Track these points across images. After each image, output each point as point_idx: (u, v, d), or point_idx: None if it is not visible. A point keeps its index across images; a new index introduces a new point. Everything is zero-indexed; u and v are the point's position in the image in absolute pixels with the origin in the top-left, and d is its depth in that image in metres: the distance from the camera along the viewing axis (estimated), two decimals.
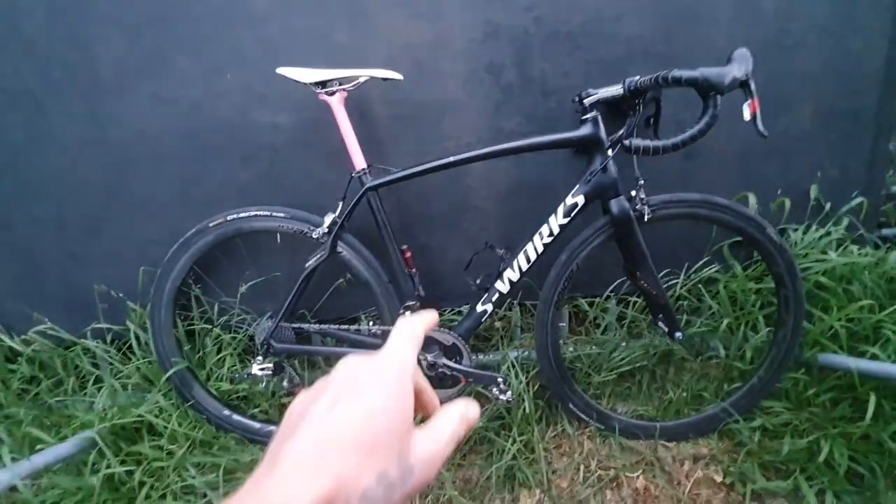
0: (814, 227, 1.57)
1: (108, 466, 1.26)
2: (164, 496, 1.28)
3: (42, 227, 1.43)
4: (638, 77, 1.16)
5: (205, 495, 1.29)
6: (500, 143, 1.26)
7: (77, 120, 1.37)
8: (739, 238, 1.44)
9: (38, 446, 1.27)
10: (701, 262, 1.57)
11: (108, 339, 1.49)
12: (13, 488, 1.17)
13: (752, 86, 1.00)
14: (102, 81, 1.35)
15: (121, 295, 1.48)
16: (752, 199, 1.51)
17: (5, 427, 1.25)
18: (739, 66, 0.99)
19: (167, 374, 1.40)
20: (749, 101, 1.00)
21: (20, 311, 1.47)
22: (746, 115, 1.00)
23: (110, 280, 1.47)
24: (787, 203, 1.54)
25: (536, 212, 1.40)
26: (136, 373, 1.46)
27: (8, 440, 1.20)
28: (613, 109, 1.34)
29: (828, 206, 1.60)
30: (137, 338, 1.47)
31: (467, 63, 1.41)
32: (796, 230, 1.58)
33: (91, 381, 1.46)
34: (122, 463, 1.29)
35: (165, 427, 1.35)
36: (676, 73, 1.00)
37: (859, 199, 1.57)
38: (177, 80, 1.35)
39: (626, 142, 1.07)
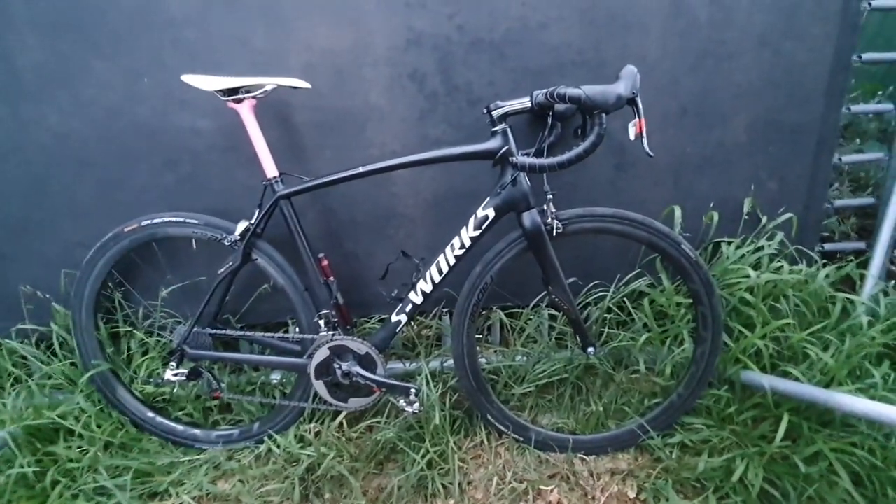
0: (748, 241, 1.55)
1: (21, 466, 1.27)
2: (76, 496, 1.30)
3: None
4: (542, 91, 1.14)
5: (114, 496, 1.31)
6: (427, 150, 1.26)
7: (0, 123, 1.37)
8: None
9: None
10: (632, 274, 1.56)
11: (34, 339, 1.50)
12: None
13: (640, 104, 0.98)
14: (23, 85, 1.35)
15: (47, 296, 1.49)
16: (677, 212, 1.49)
17: None
18: (626, 84, 0.97)
19: (86, 376, 1.42)
20: (635, 120, 0.98)
21: None
22: (632, 135, 0.99)
23: (36, 281, 1.49)
24: (716, 217, 1.52)
25: (463, 220, 1.39)
26: (61, 374, 1.48)
27: None
28: (540, 122, 1.32)
29: (764, 219, 1.57)
30: (61, 339, 1.48)
31: (390, 70, 1.40)
32: (730, 244, 1.55)
33: (10, 382, 1.47)
34: (39, 462, 1.31)
35: (81, 429, 1.36)
36: (562, 90, 0.99)
37: (789, 215, 1.53)
38: (95, 84, 1.35)
39: (514, 159, 1.05)
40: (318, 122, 1.43)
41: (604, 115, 0.98)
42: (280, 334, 1.44)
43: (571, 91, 0.97)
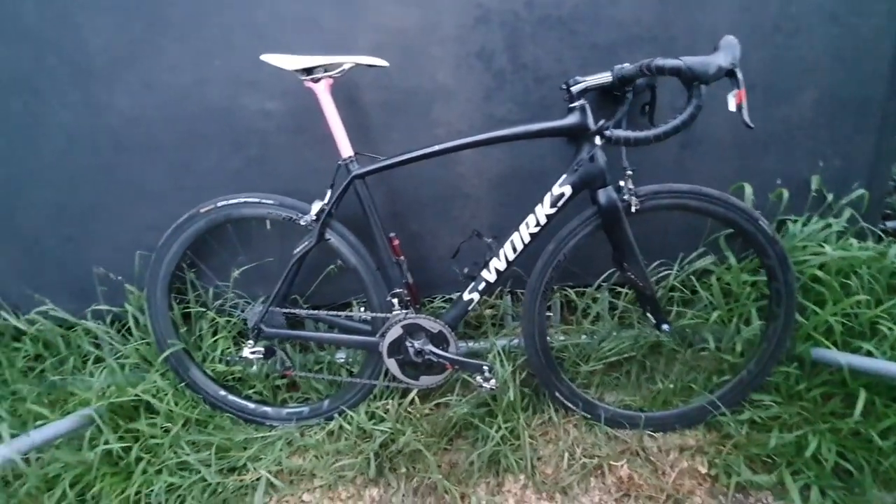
0: (814, 219, 1.53)
1: (107, 442, 1.31)
2: (160, 471, 1.34)
3: (41, 212, 1.47)
4: (627, 65, 1.13)
5: (198, 471, 1.34)
6: (492, 130, 1.25)
7: (72, 107, 1.39)
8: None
9: (39, 422, 1.32)
10: (696, 254, 1.55)
11: (108, 320, 1.54)
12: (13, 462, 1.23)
13: (739, 75, 0.96)
14: (94, 68, 1.36)
15: (119, 278, 1.52)
16: (748, 189, 1.48)
17: (9, 403, 1.30)
18: (726, 55, 0.95)
19: (163, 355, 1.45)
20: (735, 91, 0.97)
21: (23, 293, 1.52)
22: (731, 106, 0.98)
23: (108, 263, 1.51)
24: (786, 194, 1.50)
25: (528, 200, 1.39)
26: (135, 353, 1.51)
27: (7, 417, 1.26)
28: (608, 97, 1.31)
29: (830, 197, 1.56)
30: (136, 319, 1.51)
31: (457, 49, 1.39)
32: (795, 222, 1.54)
33: (92, 361, 1.51)
34: (121, 439, 1.34)
35: (162, 406, 1.39)
36: (659, 61, 0.97)
37: (860, 191, 1.51)
38: (166, 66, 1.36)
39: (608, 133, 1.05)
40: (386, 101, 1.43)
41: (703, 86, 0.97)
42: (347, 313, 1.46)
43: (671, 62, 0.96)
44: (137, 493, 1.29)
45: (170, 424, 1.40)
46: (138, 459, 1.34)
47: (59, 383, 1.49)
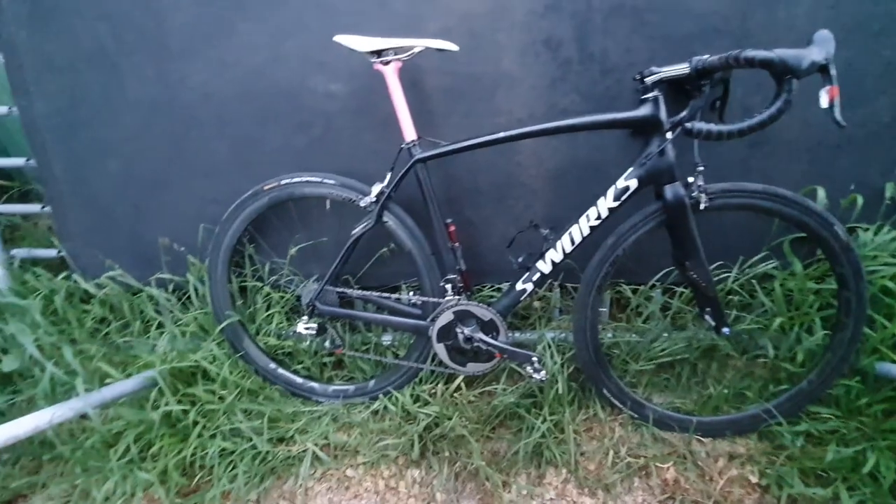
0: (886, 228, 1.46)
1: (167, 404, 1.37)
2: (213, 436, 1.39)
3: (114, 182, 1.54)
4: (707, 56, 1.09)
5: (250, 439, 1.39)
6: (554, 120, 1.24)
7: (148, 82, 1.45)
8: (803, 234, 1.36)
9: (107, 381, 1.39)
10: (757, 257, 1.50)
11: (170, 288, 1.60)
12: (84, 415, 1.30)
13: (833, 71, 0.92)
14: (171, 45, 1.41)
15: (182, 248, 1.58)
16: (820, 193, 1.42)
17: (80, 361, 1.37)
18: (820, 50, 0.91)
19: (221, 326, 1.50)
20: (827, 87, 0.93)
21: (94, 258, 1.61)
22: (824, 103, 0.93)
23: (173, 234, 1.58)
24: (860, 200, 1.43)
25: (584, 193, 1.37)
26: (194, 322, 1.57)
27: (82, 372, 1.33)
28: (675, 90, 1.27)
29: None
30: (196, 289, 1.57)
31: (525, 36, 1.38)
32: (867, 230, 1.47)
33: (154, 326, 1.58)
34: (179, 403, 1.40)
35: (218, 373, 1.45)
36: (750, 53, 0.94)
37: None
38: (241, 45, 1.40)
39: (689, 125, 1.02)
40: (449, 87, 1.43)
41: (794, 80, 0.93)
42: (396, 295, 1.48)
43: (762, 54, 0.92)
44: (193, 454, 1.34)
45: (224, 392, 1.45)
46: (195, 423, 1.39)
47: (123, 346, 1.56)
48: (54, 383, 1.38)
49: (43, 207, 1.63)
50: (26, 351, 1.40)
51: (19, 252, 1.68)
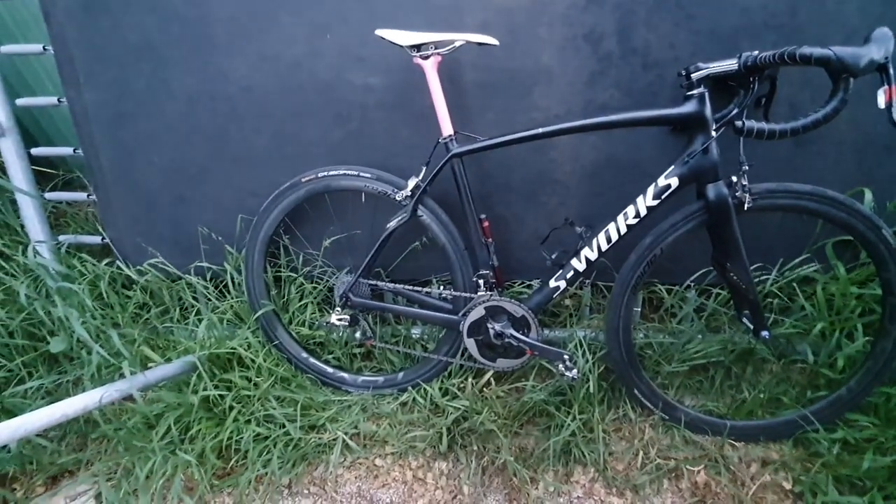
0: None
1: (206, 389, 1.41)
2: (248, 421, 1.43)
3: (157, 172, 1.59)
4: (757, 52, 1.06)
5: (283, 425, 1.42)
6: (591, 116, 1.23)
7: (191, 74, 1.48)
8: (848, 237, 1.32)
9: (150, 364, 1.45)
10: (798, 260, 1.46)
11: (208, 276, 1.65)
12: (129, 397, 1.36)
13: (892, 70, 0.89)
14: (215, 38, 1.43)
15: (220, 238, 1.62)
16: (867, 195, 1.37)
17: (123, 344, 1.43)
18: (879, 48, 0.88)
19: (256, 314, 1.54)
20: (885, 87, 0.89)
21: (137, 245, 1.66)
22: (881, 103, 0.90)
23: (212, 224, 1.62)
24: None
25: (620, 191, 1.36)
26: (230, 309, 1.62)
27: (128, 355, 1.38)
28: (718, 86, 1.24)
29: None
30: (233, 278, 1.61)
31: (565, 30, 1.36)
32: None
33: (193, 313, 1.63)
34: (216, 387, 1.44)
35: (253, 361, 1.49)
36: (806, 50, 0.91)
37: None
38: (281, 38, 1.41)
39: (738, 123, 0.99)
40: (486, 82, 1.42)
41: (850, 79, 0.90)
42: (427, 289, 1.49)
43: (819, 51, 0.89)
44: (229, 438, 1.38)
45: (259, 379, 1.49)
46: (230, 408, 1.43)
47: (163, 331, 1.61)
48: (100, 365, 1.44)
49: (89, 196, 1.69)
50: (74, 333, 1.46)
51: (66, 238, 1.74)
